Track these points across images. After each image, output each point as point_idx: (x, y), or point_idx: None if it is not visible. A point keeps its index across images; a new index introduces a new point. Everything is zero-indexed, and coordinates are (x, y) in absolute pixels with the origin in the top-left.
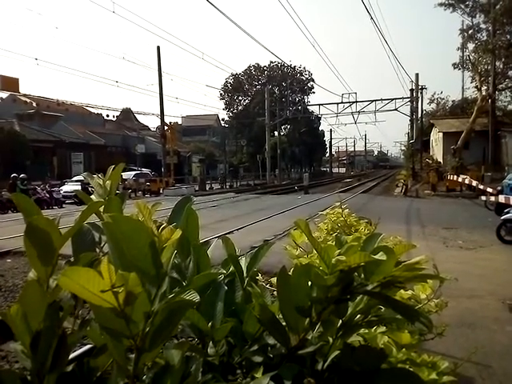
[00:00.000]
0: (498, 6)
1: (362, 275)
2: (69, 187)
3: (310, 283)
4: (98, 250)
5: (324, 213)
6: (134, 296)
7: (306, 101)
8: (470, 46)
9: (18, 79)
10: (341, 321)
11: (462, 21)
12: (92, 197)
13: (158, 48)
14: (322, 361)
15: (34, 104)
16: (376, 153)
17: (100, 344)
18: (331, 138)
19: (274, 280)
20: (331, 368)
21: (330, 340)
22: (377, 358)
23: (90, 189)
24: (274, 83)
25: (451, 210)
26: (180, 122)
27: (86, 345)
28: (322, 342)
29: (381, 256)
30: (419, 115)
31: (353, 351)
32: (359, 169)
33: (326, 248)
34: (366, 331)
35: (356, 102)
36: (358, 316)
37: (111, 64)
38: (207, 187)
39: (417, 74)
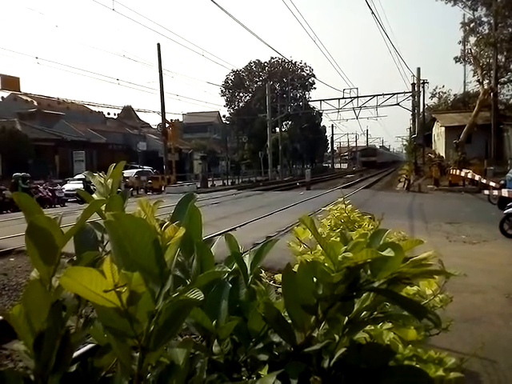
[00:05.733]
0: None
1: (369, 272)
2: (71, 186)
3: (315, 280)
4: (100, 248)
5: (327, 209)
6: (137, 295)
7: (307, 96)
8: (472, 39)
9: (18, 78)
10: (347, 318)
11: (464, 14)
12: (93, 195)
13: (159, 45)
14: (329, 358)
15: (35, 103)
16: (378, 147)
17: (104, 343)
18: (333, 134)
19: (277, 276)
20: (338, 365)
21: (336, 337)
22: (384, 355)
23: (92, 187)
24: (274, 79)
25: (454, 205)
26: (181, 120)
27: (90, 344)
28: (328, 339)
29: (388, 252)
30: (421, 110)
31: (359, 348)
32: (361, 164)
33: (332, 244)
34: (372, 328)
35: (357, 97)
36: (364, 313)
37: (112, 62)
38: (209, 184)
39: (418, 69)
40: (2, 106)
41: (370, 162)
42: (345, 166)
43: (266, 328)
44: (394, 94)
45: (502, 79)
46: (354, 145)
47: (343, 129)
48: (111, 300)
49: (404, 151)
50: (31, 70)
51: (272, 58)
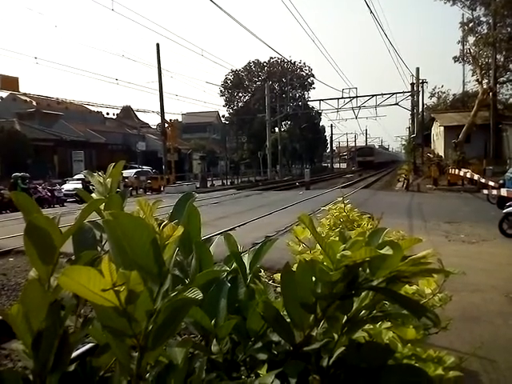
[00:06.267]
0: None
1: (368, 270)
2: (70, 185)
3: (314, 279)
4: (99, 248)
5: (326, 208)
6: (135, 294)
7: (306, 96)
8: (471, 39)
9: (17, 78)
10: (346, 317)
11: (462, 14)
12: (93, 195)
13: (158, 45)
14: (328, 357)
15: (34, 103)
16: (377, 147)
17: (103, 343)
18: (332, 134)
19: (276, 276)
20: (337, 364)
21: (336, 336)
22: (383, 353)
23: (91, 187)
24: (274, 79)
25: (453, 204)
26: (180, 120)
27: (88, 343)
28: (327, 338)
29: (387, 251)
30: (420, 109)
31: (358, 347)
32: (357, 164)
33: (331, 243)
34: (371, 327)
35: (356, 96)
36: (363, 312)
37: (111, 62)
38: (208, 184)
39: (417, 68)
40: (1, 106)
41: (367, 162)
42: (344, 165)
43: (264, 327)
44: (393, 93)
45: (501, 79)
46: (354, 145)
47: (342, 129)
48: (110, 299)
49: (403, 151)
50: (30, 70)
51: (271, 57)
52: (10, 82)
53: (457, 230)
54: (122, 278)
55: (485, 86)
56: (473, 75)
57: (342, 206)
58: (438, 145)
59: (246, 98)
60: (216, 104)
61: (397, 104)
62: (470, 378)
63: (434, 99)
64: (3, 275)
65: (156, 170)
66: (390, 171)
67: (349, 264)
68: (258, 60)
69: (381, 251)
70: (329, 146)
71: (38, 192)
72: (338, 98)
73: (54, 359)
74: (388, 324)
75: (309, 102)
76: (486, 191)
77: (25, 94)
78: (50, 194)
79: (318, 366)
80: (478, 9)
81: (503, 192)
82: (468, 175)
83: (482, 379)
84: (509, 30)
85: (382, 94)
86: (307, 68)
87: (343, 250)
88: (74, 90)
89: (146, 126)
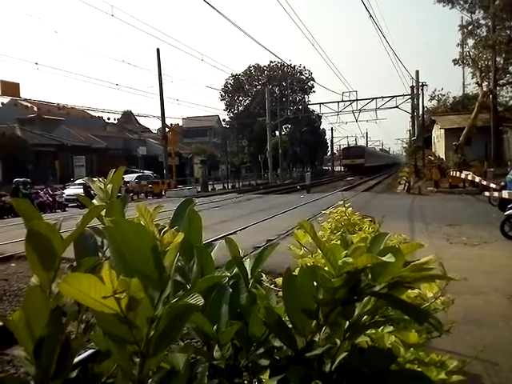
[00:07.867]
0: (497, 1)
1: (369, 276)
2: (71, 191)
3: (315, 284)
4: (100, 254)
5: (327, 212)
6: (136, 301)
7: (306, 100)
8: (470, 41)
9: (18, 84)
10: (348, 322)
11: (462, 17)
12: (94, 201)
13: (158, 50)
14: (330, 363)
15: (35, 108)
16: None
17: (104, 349)
18: (332, 137)
19: (278, 280)
20: (339, 370)
21: (338, 342)
22: (385, 358)
23: (92, 192)
24: (274, 83)
25: (454, 207)
26: (181, 124)
27: (90, 349)
28: (330, 343)
29: (389, 258)
30: (420, 112)
31: (361, 352)
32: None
33: (332, 249)
34: (373, 331)
35: (357, 100)
36: (365, 317)
37: (111, 67)
38: (209, 188)
39: (417, 71)
40: (2, 111)
41: (356, 166)
42: None
43: (266, 332)
44: (393, 96)
45: (501, 81)
46: None
47: (343, 132)
48: (110, 306)
49: (404, 153)
50: (31, 76)
51: (271, 61)
52: (11, 88)
53: (458, 233)
54: (122, 285)
55: (485, 89)
56: (472, 78)
57: (343, 209)
58: (439, 147)
59: (247, 101)
60: (216, 108)
61: (397, 107)
62: (473, 382)
63: (434, 102)
64: (5, 281)
65: (157, 175)
66: (387, 176)
67: (350, 270)
68: (258, 64)
69: (383, 258)
70: (329, 149)
71: (40, 197)
72: (338, 102)
73: (56, 365)
74: (390, 328)
75: (309, 106)
76: (487, 193)
77: (26, 100)
78: (51, 199)
79: (320, 371)
80: (477, 12)
81: (505, 194)
82: (469, 177)
83: (485, 382)
84: (508, 32)
85: (382, 97)
86: (307, 72)
87: (345, 257)
88: (74, 95)
89: (147, 130)
